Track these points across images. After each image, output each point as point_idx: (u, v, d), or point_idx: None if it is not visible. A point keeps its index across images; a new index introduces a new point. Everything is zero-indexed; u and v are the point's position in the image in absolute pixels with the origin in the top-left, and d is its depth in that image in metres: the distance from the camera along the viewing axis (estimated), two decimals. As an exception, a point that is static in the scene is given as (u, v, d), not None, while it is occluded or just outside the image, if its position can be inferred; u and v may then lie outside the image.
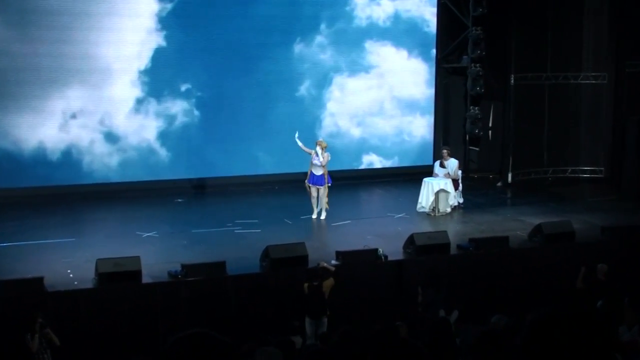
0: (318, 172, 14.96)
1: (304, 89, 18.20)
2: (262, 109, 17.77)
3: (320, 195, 14.93)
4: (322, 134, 18.04)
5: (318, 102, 18.35)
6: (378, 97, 18.87)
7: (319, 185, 14.92)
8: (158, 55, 16.92)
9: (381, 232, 13.86)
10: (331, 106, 18.51)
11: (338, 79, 18.48)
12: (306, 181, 15.04)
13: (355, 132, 18.65)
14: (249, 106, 17.66)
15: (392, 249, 12.52)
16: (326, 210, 14.91)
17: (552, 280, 12.52)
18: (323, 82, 18.36)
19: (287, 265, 11.62)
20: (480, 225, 14.57)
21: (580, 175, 19.13)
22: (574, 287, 11.74)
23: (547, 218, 14.33)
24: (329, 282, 10.83)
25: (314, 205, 14.98)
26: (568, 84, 19.01)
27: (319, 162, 14.86)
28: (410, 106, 19.15)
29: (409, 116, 19.14)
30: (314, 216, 14.93)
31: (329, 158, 14.99)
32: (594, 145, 19.13)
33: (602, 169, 19.06)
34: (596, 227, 14.04)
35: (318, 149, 14.88)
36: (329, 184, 14.95)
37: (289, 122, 17.95)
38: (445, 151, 15.91)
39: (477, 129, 18.73)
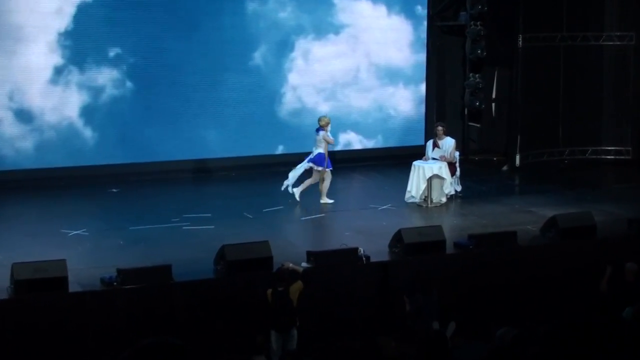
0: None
1: (259, 56, 18.32)
2: (209, 80, 17.92)
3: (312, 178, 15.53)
4: (283, 112, 18.29)
5: (277, 72, 18.50)
6: (351, 64, 19.06)
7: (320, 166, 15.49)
8: (81, 12, 16.98)
9: (362, 227, 14.05)
10: (293, 77, 18.66)
11: (301, 43, 18.62)
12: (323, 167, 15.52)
13: (324, 109, 18.81)
14: (193, 77, 17.79)
15: (375, 247, 12.73)
16: (301, 193, 15.51)
17: (569, 284, 12.79)
18: (283, 47, 18.49)
19: (247, 269, 11.75)
20: (482, 218, 14.84)
21: (603, 157, 19.49)
22: (597, 291, 11.98)
23: (563, 209, 14.62)
24: (296, 286, 10.96)
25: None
26: (588, 46, 19.30)
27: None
28: (392, 75, 19.38)
29: (389, 87, 19.36)
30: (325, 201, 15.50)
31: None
32: (619, 121, 19.46)
33: (630, 149, 19.43)
34: (622, 219, 14.34)
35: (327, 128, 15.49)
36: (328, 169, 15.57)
37: (242, 97, 18.11)
38: (439, 128, 16.12)
39: (478, 101, 18.97)
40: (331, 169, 15.68)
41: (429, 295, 11.24)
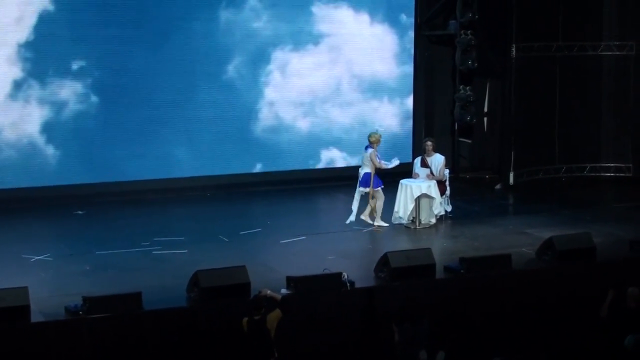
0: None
1: (233, 69, 18.41)
2: (180, 95, 18.01)
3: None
4: (259, 128, 18.32)
5: (252, 86, 18.60)
6: (332, 77, 19.18)
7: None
8: (43, 22, 17.02)
9: (346, 250, 14.12)
10: (270, 92, 18.74)
11: (278, 55, 18.73)
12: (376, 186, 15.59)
13: (303, 125, 18.90)
14: (163, 90, 17.87)
15: (360, 272, 12.80)
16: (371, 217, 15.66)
17: (567, 310, 12.88)
18: (259, 59, 18.60)
19: (222, 296, 11.78)
20: (473, 240, 14.94)
21: (602, 174, 19.65)
22: (597, 318, 12.05)
23: (561, 230, 14.73)
24: (274, 315, 10.95)
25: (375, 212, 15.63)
26: (585, 56, 19.48)
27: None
28: (376, 88, 19.50)
29: (373, 101, 19.47)
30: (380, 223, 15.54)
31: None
32: (619, 136, 19.62)
33: (630, 165, 19.58)
34: (623, 240, 14.48)
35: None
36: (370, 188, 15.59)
37: (216, 112, 18.18)
38: (428, 144, 16.21)
39: (469, 116, 19.09)
40: (382, 187, 15.64)
41: (419, 323, 11.27)
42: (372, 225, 15.58)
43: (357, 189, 15.73)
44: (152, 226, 15.52)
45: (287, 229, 15.39)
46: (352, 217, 15.69)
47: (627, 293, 11.83)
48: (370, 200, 15.63)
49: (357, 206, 15.67)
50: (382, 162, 15.60)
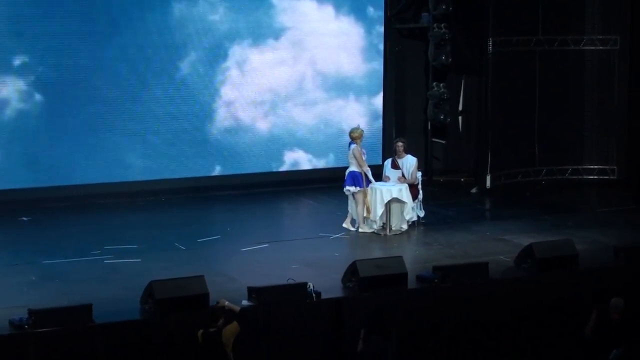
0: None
1: (187, 66, 18.43)
2: (131, 93, 18.00)
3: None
4: (217, 129, 18.33)
5: (209, 84, 18.65)
6: (295, 74, 19.25)
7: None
8: (-19, 14, 16.97)
9: (311, 259, 14.19)
10: (227, 90, 18.78)
11: (236, 51, 18.78)
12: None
13: (264, 126, 18.94)
14: (113, 88, 17.87)
15: (327, 282, 12.85)
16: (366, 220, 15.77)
17: (548, 321, 13.00)
18: (214, 55, 18.64)
19: (179, 308, 11.80)
20: (448, 247, 15.06)
21: (585, 177, 19.81)
22: (579, 330, 12.17)
23: (541, 237, 14.90)
24: (231, 329, 11.01)
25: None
26: (567, 51, 19.65)
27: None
28: (342, 86, 19.59)
29: (339, 99, 19.58)
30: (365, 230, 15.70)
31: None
32: (602, 136, 19.79)
33: (614, 167, 19.77)
34: (608, 247, 14.62)
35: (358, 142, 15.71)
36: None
37: (170, 111, 18.18)
38: (399, 145, 16.33)
39: (443, 114, 19.19)
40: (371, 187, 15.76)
41: (387, 337, 11.32)
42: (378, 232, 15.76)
43: (345, 189, 15.82)
44: (103, 233, 15.52)
45: (249, 236, 15.46)
46: (358, 223, 15.85)
47: (610, 304, 11.90)
48: (365, 200, 15.70)
49: (353, 210, 15.85)
50: (366, 166, 15.73)
